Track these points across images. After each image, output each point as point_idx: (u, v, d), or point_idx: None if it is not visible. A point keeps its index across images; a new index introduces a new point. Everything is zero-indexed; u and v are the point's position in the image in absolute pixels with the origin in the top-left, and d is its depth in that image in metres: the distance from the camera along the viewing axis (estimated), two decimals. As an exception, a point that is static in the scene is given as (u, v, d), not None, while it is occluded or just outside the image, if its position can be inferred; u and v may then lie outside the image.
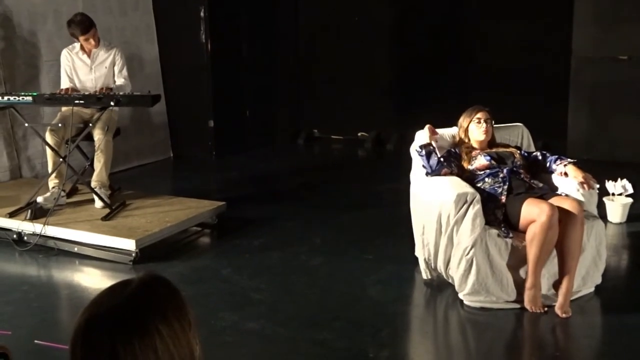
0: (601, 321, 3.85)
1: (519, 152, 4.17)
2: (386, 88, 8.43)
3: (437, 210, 3.83)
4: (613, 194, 5.18)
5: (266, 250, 4.76)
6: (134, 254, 4.49)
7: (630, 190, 5.16)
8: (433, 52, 8.09)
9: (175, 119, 7.76)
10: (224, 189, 6.54)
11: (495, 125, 4.28)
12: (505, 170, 3.94)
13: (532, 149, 4.45)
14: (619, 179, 5.19)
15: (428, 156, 4.00)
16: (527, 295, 3.68)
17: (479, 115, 4.16)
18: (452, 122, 4.40)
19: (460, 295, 3.76)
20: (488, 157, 4.04)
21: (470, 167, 4.05)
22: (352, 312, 3.80)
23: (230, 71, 7.84)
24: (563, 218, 3.65)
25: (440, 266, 3.91)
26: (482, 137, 4.14)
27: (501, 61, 7.62)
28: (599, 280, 3.91)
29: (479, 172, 4.01)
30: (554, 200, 3.73)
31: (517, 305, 3.71)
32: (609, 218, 5.17)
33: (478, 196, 3.71)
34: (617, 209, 5.16)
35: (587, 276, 3.84)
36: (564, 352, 3.49)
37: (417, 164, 4.18)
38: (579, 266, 3.77)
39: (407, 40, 8.24)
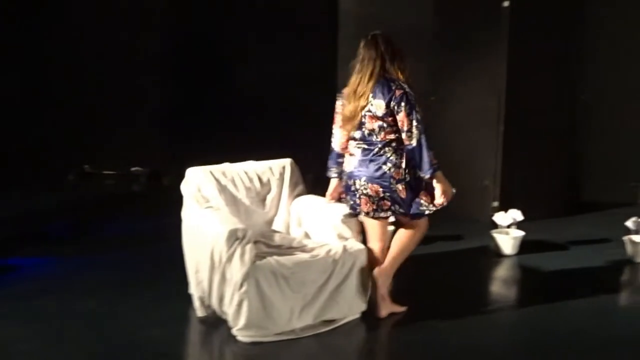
0: (366, 345, 4.09)
1: None
2: (160, 122, 8.34)
3: (210, 246, 3.85)
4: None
5: (33, 297, 4.44)
6: None
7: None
8: (202, 87, 8.17)
9: None
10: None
11: (262, 162, 4.43)
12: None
13: (300, 185, 4.62)
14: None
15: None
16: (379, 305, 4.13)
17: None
18: (225, 158, 4.49)
19: (234, 331, 3.80)
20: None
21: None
22: (129, 357, 3.68)
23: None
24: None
25: (215, 303, 3.93)
26: None
27: (275, 97, 7.87)
28: (364, 307, 4.15)
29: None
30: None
31: (288, 337, 3.83)
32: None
33: (250, 231, 3.79)
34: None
35: (352, 303, 4.06)
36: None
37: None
38: (345, 295, 3.99)
39: (179, 75, 8.25)
